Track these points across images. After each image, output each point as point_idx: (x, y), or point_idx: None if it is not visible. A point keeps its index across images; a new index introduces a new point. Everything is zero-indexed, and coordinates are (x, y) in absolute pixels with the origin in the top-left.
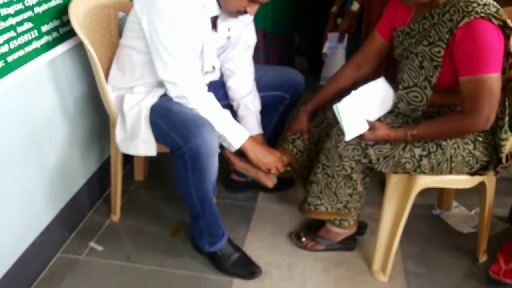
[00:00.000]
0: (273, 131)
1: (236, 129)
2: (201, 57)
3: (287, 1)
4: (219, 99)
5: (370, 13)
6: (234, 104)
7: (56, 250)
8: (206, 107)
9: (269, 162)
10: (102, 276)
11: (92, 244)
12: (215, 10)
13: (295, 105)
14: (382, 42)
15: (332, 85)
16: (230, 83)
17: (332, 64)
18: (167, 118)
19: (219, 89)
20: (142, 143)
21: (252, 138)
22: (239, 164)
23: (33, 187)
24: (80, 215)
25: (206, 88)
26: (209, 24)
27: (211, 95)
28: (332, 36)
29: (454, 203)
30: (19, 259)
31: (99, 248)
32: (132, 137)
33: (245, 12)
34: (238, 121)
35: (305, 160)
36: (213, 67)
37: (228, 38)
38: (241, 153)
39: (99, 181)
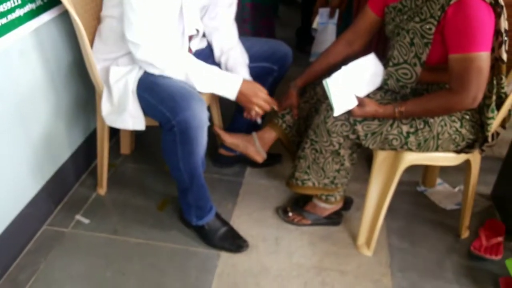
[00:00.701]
0: None
1: (226, 79)
2: (180, 19)
3: None
4: None
5: None
6: (223, 59)
7: (42, 223)
8: (183, 69)
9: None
10: (89, 249)
11: (78, 217)
12: None
13: (282, 77)
14: (374, 18)
15: (322, 61)
16: (215, 39)
17: (322, 40)
18: (153, 91)
19: (207, 59)
20: (130, 117)
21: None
22: (229, 140)
23: (18, 159)
24: (66, 188)
25: (176, 50)
26: None
27: (184, 53)
28: (323, 12)
29: (438, 180)
30: (5, 231)
31: (86, 221)
32: (119, 110)
33: None
34: None
35: (294, 135)
36: (197, 30)
37: None
38: (230, 129)
39: (85, 154)
